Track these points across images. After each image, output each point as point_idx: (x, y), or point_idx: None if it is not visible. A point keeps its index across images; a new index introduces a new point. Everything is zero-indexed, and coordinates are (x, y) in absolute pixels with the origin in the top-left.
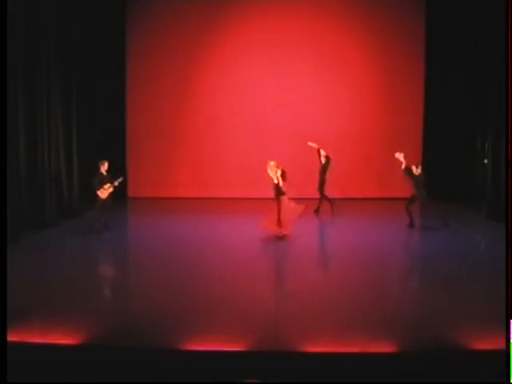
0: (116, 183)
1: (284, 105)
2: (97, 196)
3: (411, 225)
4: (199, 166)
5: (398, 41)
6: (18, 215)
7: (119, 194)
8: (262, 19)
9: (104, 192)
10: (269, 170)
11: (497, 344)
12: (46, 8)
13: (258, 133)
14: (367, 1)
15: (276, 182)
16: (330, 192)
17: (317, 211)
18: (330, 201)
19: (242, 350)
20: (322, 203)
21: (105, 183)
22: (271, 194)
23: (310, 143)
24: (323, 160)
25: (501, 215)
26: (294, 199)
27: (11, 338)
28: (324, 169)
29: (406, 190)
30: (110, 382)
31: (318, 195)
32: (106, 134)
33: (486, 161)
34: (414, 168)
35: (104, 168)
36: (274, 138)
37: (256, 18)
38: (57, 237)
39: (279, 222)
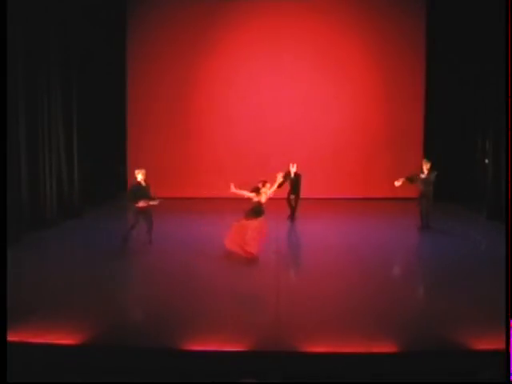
0: (152, 203)
1: (284, 104)
2: (135, 206)
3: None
4: (200, 165)
5: (399, 40)
6: (18, 215)
7: (119, 194)
8: (262, 19)
9: (142, 203)
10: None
11: (497, 344)
12: (46, 9)
13: (259, 132)
14: (368, 0)
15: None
16: (330, 192)
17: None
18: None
19: (242, 350)
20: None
21: (142, 195)
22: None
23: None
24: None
25: (501, 215)
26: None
27: (11, 337)
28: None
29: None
30: (110, 382)
31: (317, 195)
32: (107, 133)
33: (486, 161)
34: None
35: (142, 177)
36: (274, 137)
37: (257, 18)
38: (57, 237)
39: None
